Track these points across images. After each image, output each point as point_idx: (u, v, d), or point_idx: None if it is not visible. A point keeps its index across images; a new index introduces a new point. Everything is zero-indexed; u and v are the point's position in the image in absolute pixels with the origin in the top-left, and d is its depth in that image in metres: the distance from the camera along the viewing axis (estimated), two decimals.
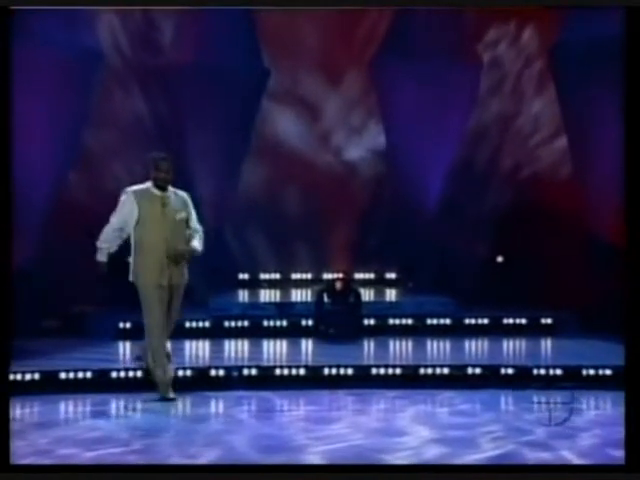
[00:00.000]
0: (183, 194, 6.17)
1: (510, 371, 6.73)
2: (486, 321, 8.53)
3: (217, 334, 8.27)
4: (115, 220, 6.05)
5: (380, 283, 10.12)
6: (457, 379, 6.71)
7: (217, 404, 6.29)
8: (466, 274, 9.76)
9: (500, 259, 9.95)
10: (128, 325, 8.25)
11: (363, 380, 6.74)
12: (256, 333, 8.25)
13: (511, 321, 8.54)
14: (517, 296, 9.19)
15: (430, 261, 10.03)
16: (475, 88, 9.89)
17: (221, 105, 9.70)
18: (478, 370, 6.76)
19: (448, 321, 8.51)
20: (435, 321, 8.49)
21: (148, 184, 6.05)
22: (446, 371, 6.77)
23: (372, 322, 8.46)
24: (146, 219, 5.98)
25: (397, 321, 8.49)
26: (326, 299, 8.34)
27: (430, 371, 6.77)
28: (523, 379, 6.65)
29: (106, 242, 6.08)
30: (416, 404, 6.18)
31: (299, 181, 10.20)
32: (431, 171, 10.04)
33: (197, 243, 6.11)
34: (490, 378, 6.68)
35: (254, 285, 10.05)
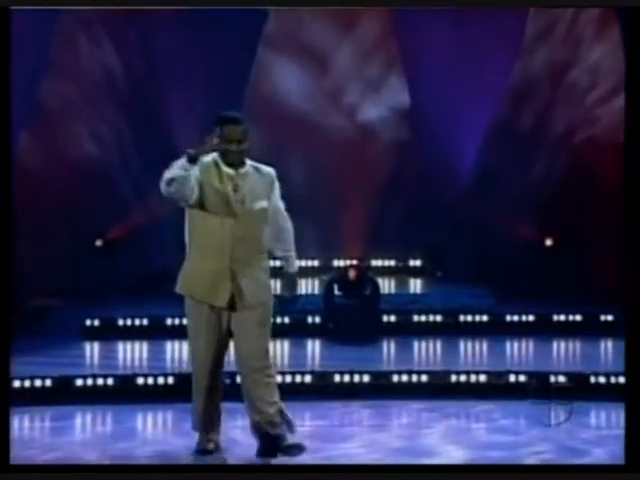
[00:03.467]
0: (268, 171, 5.02)
1: (561, 379, 6.69)
2: (531, 318, 8.50)
3: None
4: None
5: (402, 271, 10.09)
6: (496, 388, 6.68)
7: None
8: (507, 261, 9.72)
9: (549, 242, 9.89)
10: (96, 322, 8.25)
11: (382, 389, 6.71)
12: None
13: (562, 318, 8.50)
14: (570, 287, 9.14)
15: (463, 245, 9.99)
16: (519, 33, 9.80)
17: (206, 55, 9.64)
18: (522, 378, 6.72)
19: (485, 318, 8.48)
20: (469, 318, 8.47)
21: (214, 158, 4.94)
22: (483, 379, 6.74)
23: (392, 319, 8.45)
24: (207, 206, 4.86)
25: (423, 318, 8.47)
26: (337, 291, 8.32)
27: (463, 379, 6.74)
28: (577, 389, 6.60)
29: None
30: (447, 418, 6.16)
31: (303, 148, 10.14)
32: (464, 136, 9.98)
33: (288, 242, 5.07)
34: (537, 388, 6.64)
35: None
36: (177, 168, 4.81)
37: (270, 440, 5.02)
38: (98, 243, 9.80)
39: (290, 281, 5.11)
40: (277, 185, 5.06)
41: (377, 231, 10.07)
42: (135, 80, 9.79)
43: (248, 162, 4.98)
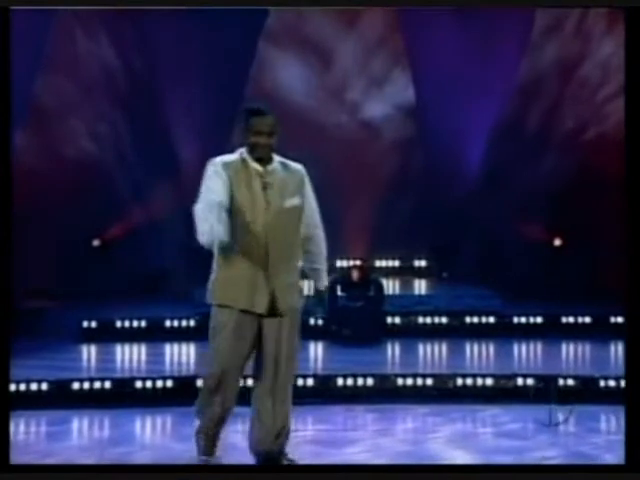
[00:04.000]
0: (297, 167, 4.80)
1: (570, 382, 6.68)
2: (539, 320, 8.50)
3: (204, 335, 8.24)
4: (212, 196, 4.54)
5: (407, 272, 10.09)
6: (504, 392, 6.67)
7: None
8: (514, 261, 9.71)
9: (557, 242, 9.88)
10: (94, 324, 8.25)
11: (386, 393, 6.70)
12: None
13: (572, 320, 8.49)
14: (579, 288, 9.14)
15: (469, 245, 9.98)
16: (527, 28, 9.79)
17: (207, 50, 9.64)
18: (530, 381, 6.70)
19: (492, 319, 8.48)
20: (476, 319, 8.47)
21: (241, 153, 4.72)
22: (490, 382, 6.73)
23: (397, 320, 8.44)
24: (237, 208, 4.61)
25: (428, 319, 8.47)
26: (340, 292, 8.32)
27: (470, 382, 6.73)
28: (587, 393, 6.60)
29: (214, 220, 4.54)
30: (453, 423, 6.14)
31: (305, 146, 10.12)
32: (471, 133, 9.97)
33: (317, 253, 4.81)
34: (545, 391, 6.63)
35: None
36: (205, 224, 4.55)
37: (270, 457, 4.85)
38: (95, 243, 9.82)
39: (319, 298, 4.92)
40: (308, 182, 4.81)
41: (381, 231, 10.07)
42: (133, 78, 9.80)
43: (276, 158, 4.75)
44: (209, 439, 4.98)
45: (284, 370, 4.80)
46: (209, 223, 4.49)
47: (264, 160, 4.69)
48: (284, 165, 4.76)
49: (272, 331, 4.75)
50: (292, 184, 4.73)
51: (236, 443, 5.69)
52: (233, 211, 4.58)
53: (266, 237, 4.64)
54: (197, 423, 5.02)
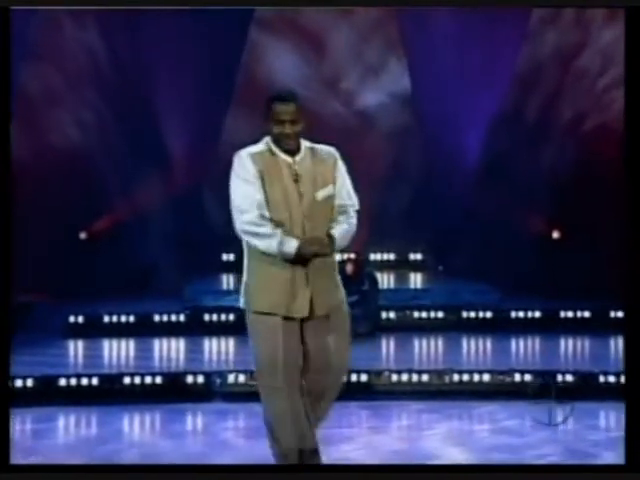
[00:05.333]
0: (328, 151, 4.56)
1: (569, 378, 6.69)
2: (538, 315, 8.51)
3: (194, 330, 8.27)
4: (247, 197, 4.39)
5: (402, 266, 10.10)
6: (501, 388, 6.67)
7: (194, 419, 6.27)
8: (512, 254, 9.72)
9: (556, 235, 9.89)
10: (81, 319, 8.24)
11: (380, 389, 6.71)
12: (244, 329, 8.18)
13: (570, 314, 8.50)
14: (578, 282, 9.14)
15: (466, 238, 9.99)
16: (526, 16, 9.79)
17: (197, 38, 9.62)
18: (528, 377, 6.72)
19: (489, 314, 8.49)
20: (472, 314, 8.47)
21: (267, 143, 4.50)
22: (487, 378, 6.73)
23: (392, 315, 8.45)
24: (270, 203, 4.41)
25: (424, 314, 8.47)
26: None
27: (466, 378, 6.73)
28: (586, 389, 6.61)
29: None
30: (449, 420, 6.16)
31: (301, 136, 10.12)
32: (469, 123, 9.97)
33: (338, 229, 4.49)
34: (543, 387, 6.65)
35: (242, 268, 10.01)
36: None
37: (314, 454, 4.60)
38: (82, 236, 9.80)
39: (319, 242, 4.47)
40: (341, 165, 4.55)
41: (376, 223, 10.05)
42: (121, 69, 9.76)
43: (304, 144, 4.51)
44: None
45: (330, 377, 4.53)
46: (276, 239, 4.34)
47: (292, 150, 4.46)
48: (313, 151, 4.51)
49: (316, 334, 4.48)
50: (323, 172, 4.49)
51: (227, 441, 5.70)
52: (271, 208, 4.40)
53: (303, 232, 4.41)
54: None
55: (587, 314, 8.51)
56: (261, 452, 5.38)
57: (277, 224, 4.40)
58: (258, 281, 4.50)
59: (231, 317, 8.32)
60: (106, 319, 8.28)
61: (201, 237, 9.87)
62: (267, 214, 4.40)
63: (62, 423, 6.12)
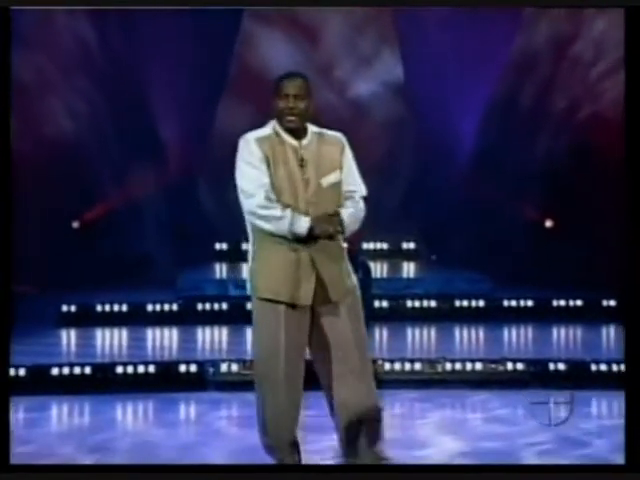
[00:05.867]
0: (335, 136, 4.48)
1: (561, 367, 6.71)
2: (530, 303, 8.53)
3: (187, 319, 8.26)
4: (252, 180, 4.32)
5: (395, 255, 10.10)
6: (493, 377, 6.70)
7: (187, 408, 6.28)
8: (505, 243, 9.73)
9: (549, 224, 9.90)
10: (73, 308, 8.24)
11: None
12: (237, 319, 8.23)
13: (563, 303, 8.53)
14: (571, 271, 9.17)
15: (459, 227, 10.00)
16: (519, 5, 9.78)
17: (189, 27, 9.59)
18: (520, 366, 6.74)
19: (482, 303, 8.50)
20: (465, 303, 8.49)
21: (273, 127, 4.42)
22: (479, 367, 6.75)
23: (385, 304, 8.46)
24: (276, 187, 4.34)
25: (417, 303, 8.48)
26: None
27: (459, 367, 6.75)
28: (578, 377, 6.63)
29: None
30: (441, 408, 6.17)
31: None
32: (462, 112, 9.97)
33: (346, 212, 4.42)
34: (535, 376, 6.67)
35: (234, 257, 10.03)
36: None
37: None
38: (75, 225, 9.78)
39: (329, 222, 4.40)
40: (348, 151, 4.48)
41: (369, 212, 10.05)
42: (114, 58, 9.74)
43: (311, 129, 4.43)
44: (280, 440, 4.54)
45: (348, 364, 4.43)
46: (286, 220, 4.28)
47: (299, 132, 4.37)
48: (321, 136, 4.43)
49: (328, 321, 4.39)
50: (330, 158, 4.40)
51: (220, 430, 5.71)
52: (275, 192, 4.32)
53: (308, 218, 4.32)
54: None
55: (579, 303, 8.52)
56: (254, 441, 5.40)
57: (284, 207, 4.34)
58: (262, 266, 4.38)
59: (224, 306, 8.32)
60: (99, 308, 8.27)
61: (194, 226, 9.87)
62: (273, 197, 4.33)
63: (55, 412, 6.11)
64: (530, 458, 5.12)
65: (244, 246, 10.22)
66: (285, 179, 4.35)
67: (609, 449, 5.27)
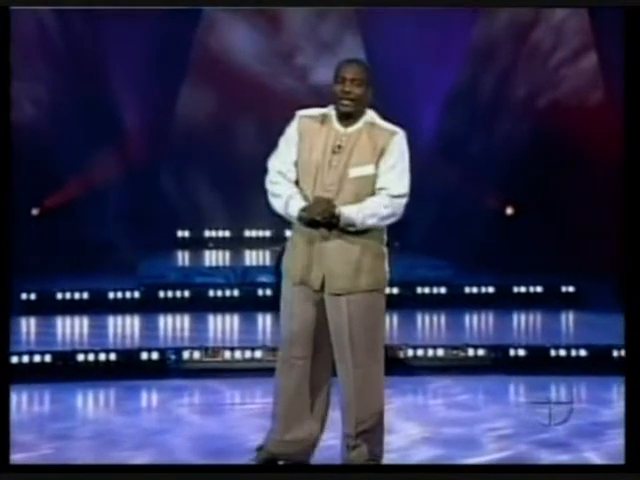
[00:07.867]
0: (386, 129, 4.28)
1: (521, 353, 6.78)
2: (491, 290, 8.60)
3: (149, 307, 8.24)
4: (276, 163, 4.30)
5: None
6: (455, 363, 6.75)
7: (149, 396, 6.28)
8: (466, 230, 9.80)
9: (510, 211, 9.98)
10: (33, 296, 8.17)
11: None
12: (200, 306, 8.22)
13: (523, 290, 8.61)
14: (531, 258, 9.25)
15: (421, 214, 10.04)
16: None
17: (151, 12, 9.52)
18: (481, 352, 6.80)
19: (443, 290, 8.56)
20: (427, 290, 8.54)
21: (329, 109, 4.33)
22: (441, 353, 6.80)
23: None
24: (304, 169, 4.26)
25: None
26: None
27: (421, 353, 6.79)
28: (538, 363, 6.71)
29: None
30: (403, 395, 6.20)
31: (253, 111, 10.09)
32: (424, 97, 10.00)
33: (355, 205, 4.20)
34: (496, 361, 6.73)
35: (197, 245, 10.01)
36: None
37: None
38: (34, 212, 9.70)
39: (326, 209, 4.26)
40: (396, 149, 4.25)
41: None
42: (73, 44, 9.64)
43: (366, 118, 4.28)
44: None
45: (355, 360, 4.29)
46: (282, 200, 4.23)
47: (349, 118, 4.23)
48: (372, 127, 4.25)
49: (330, 312, 4.28)
50: (369, 150, 4.21)
51: (183, 417, 5.72)
52: (300, 173, 4.23)
53: (326, 203, 4.17)
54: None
55: (539, 289, 8.61)
56: (216, 429, 5.41)
57: (301, 190, 4.24)
58: (288, 249, 4.38)
59: (186, 294, 8.30)
60: (59, 296, 8.22)
61: (156, 213, 9.82)
62: (292, 176, 4.26)
63: (14, 400, 6.07)
64: (489, 444, 5.17)
65: (206, 233, 10.22)
66: (313, 162, 4.22)
67: (567, 433, 5.34)
